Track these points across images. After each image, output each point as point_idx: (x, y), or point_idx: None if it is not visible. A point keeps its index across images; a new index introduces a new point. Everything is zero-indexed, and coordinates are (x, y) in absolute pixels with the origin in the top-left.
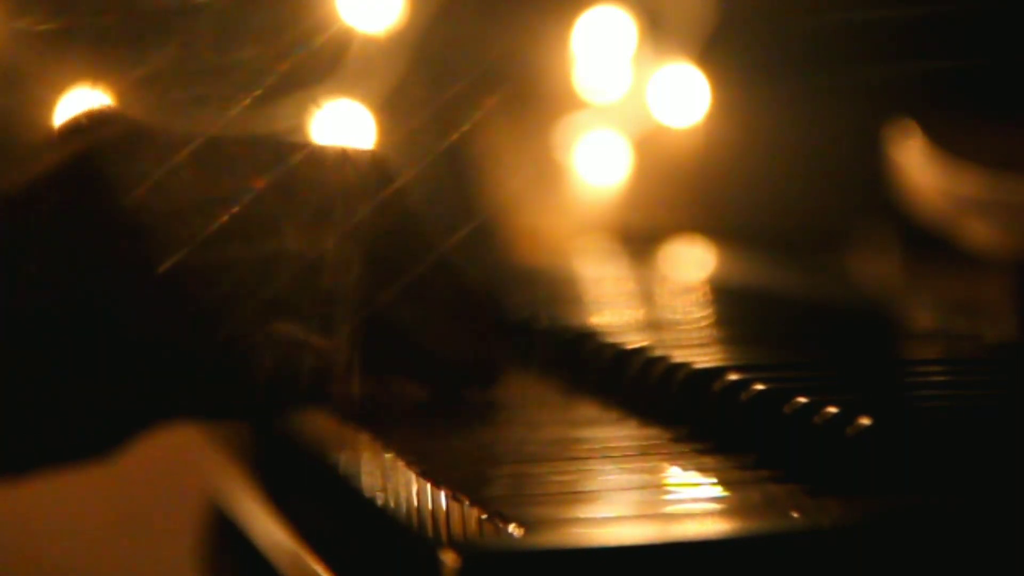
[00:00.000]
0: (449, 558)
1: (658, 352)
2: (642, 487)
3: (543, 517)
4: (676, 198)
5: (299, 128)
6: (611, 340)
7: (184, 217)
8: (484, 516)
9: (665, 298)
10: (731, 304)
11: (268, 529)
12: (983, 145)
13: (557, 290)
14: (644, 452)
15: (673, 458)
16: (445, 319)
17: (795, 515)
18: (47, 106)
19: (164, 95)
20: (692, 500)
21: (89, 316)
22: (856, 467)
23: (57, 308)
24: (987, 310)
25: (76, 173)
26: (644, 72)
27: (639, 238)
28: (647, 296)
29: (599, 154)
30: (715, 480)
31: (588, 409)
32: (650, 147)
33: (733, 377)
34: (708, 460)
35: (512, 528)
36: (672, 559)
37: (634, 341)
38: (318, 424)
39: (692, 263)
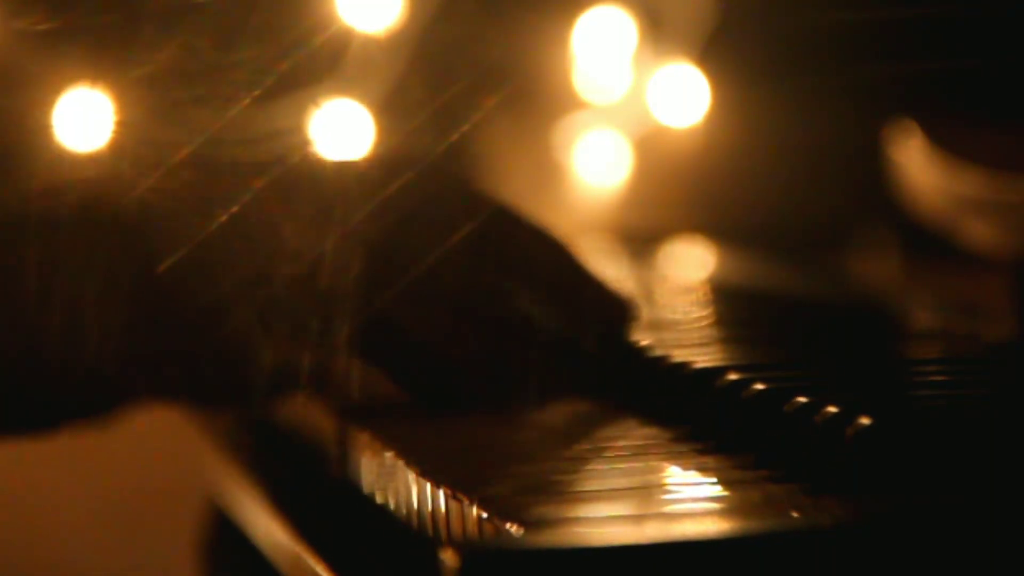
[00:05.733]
0: (449, 557)
1: (658, 352)
2: (642, 487)
3: (543, 517)
4: (676, 198)
5: (299, 128)
6: (611, 340)
7: (184, 217)
8: (484, 516)
9: (665, 298)
10: (731, 304)
11: (268, 529)
12: (983, 145)
13: None
14: (644, 452)
15: (673, 458)
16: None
17: (795, 515)
18: (46, 106)
19: (164, 95)
20: (692, 500)
21: (82, 316)
22: (856, 467)
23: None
24: (987, 310)
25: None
26: (644, 72)
27: (639, 238)
28: (647, 296)
29: (599, 154)
30: (715, 480)
31: (588, 409)
32: (650, 147)
33: (733, 377)
34: (708, 460)
35: (512, 527)
36: (672, 559)
37: (634, 341)
38: (318, 423)
39: (692, 263)
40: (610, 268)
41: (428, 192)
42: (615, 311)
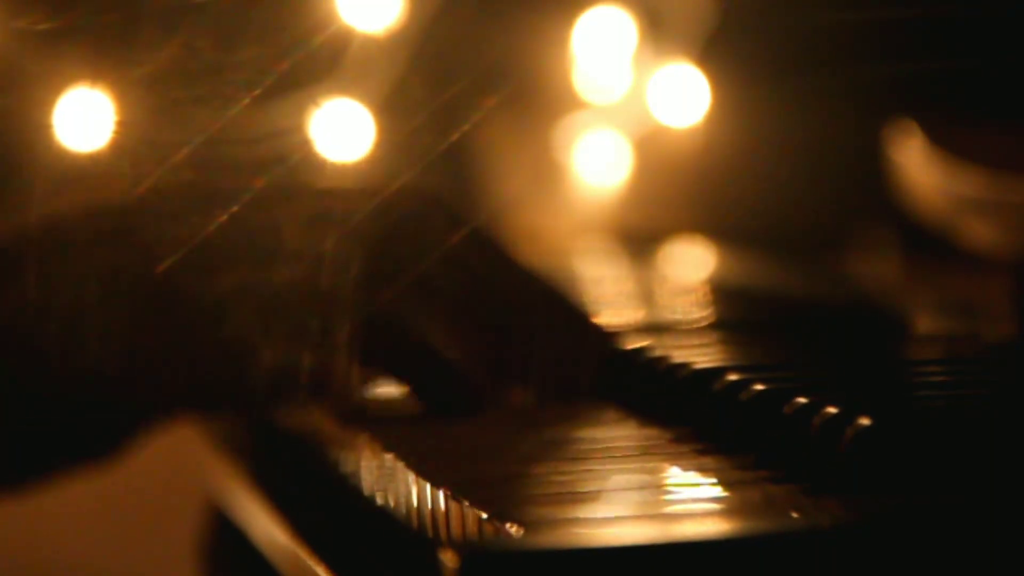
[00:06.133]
0: (449, 558)
1: (658, 352)
2: (642, 487)
3: (543, 517)
4: (676, 198)
5: (299, 128)
6: (611, 340)
7: (184, 218)
8: (484, 516)
9: (665, 298)
10: (731, 304)
11: (268, 529)
12: (983, 145)
13: None
14: (644, 452)
15: (673, 458)
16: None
17: (794, 515)
18: (47, 106)
19: (164, 95)
20: (692, 500)
21: (82, 317)
22: (856, 467)
23: (50, 310)
24: (987, 310)
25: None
26: (644, 72)
27: (639, 238)
28: (647, 296)
29: (599, 154)
30: (715, 480)
31: (588, 409)
32: (650, 147)
33: (733, 377)
34: (708, 460)
35: (512, 528)
36: (672, 559)
37: (634, 341)
38: (318, 424)
39: (692, 263)
40: (610, 268)
41: (403, 212)
42: (585, 345)
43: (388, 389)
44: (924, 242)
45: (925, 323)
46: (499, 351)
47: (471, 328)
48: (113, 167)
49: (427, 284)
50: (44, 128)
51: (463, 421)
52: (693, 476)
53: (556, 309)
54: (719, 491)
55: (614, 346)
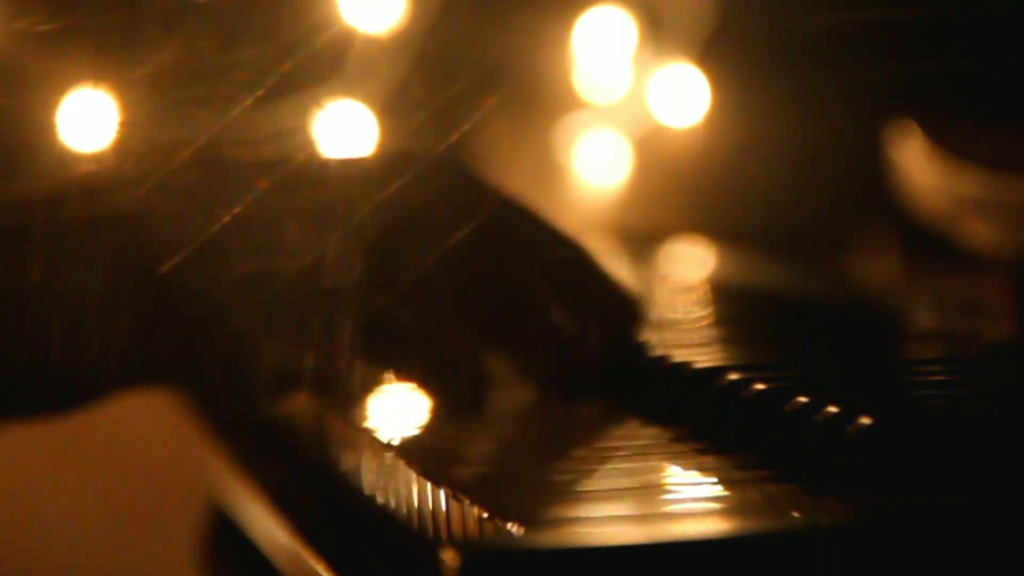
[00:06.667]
0: (449, 557)
1: (658, 352)
2: (642, 486)
3: (543, 516)
4: (676, 198)
5: (301, 128)
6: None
7: (186, 218)
8: (484, 515)
9: (665, 298)
10: (731, 304)
11: (268, 529)
12: (983, 145)
13: None
14: (644, 452)
15: (673, 458)
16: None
17: (795, 515)
18: (50, 106)
19: (166, 95)
20: (692, 500)
21: (85, 317)
22: (856, 467)
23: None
24: (987, 310)
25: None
26: (644, 72)
27: (639, 238)
28: (647, 295)
29: (599, 154)
30: (715, 480)
31: (588, 409)
32: (650, 147)
33: (733, 377)
34: (708, 460)
35: (512, 527)
36: (672, 559)
37: (638, 340)
38: (319, 423)
39: (692, 263)
40: (610, 268)
41: (433, 186)
42: (623, 312)
43: (391, 387)
44: (924, 242)
45: (925, 323)
46: (506, 345)
47: (480, 320)
48: (116, 168)
49: (434, 276)
50: (47, 129)
51: (466, 418)
52: (694, 475)
53: (597, 270)
54: (720, 490)
55: (647, 314)
